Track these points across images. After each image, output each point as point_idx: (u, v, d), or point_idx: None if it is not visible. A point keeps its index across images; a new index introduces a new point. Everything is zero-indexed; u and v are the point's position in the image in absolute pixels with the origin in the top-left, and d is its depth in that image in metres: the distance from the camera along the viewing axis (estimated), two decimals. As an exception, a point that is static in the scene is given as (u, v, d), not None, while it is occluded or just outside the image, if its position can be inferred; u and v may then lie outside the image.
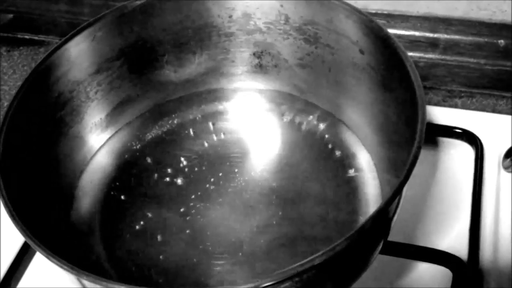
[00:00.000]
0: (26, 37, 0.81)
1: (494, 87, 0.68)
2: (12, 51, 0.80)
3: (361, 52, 0.50)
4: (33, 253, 0.55)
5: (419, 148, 0.39)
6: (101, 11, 0.52)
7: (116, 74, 0.55)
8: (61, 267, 0.35)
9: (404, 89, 0.44)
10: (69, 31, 0.51)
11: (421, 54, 0.68)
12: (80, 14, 0.77)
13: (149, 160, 0.56)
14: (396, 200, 0.39)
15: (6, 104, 0.71)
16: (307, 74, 0.57)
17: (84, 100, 0.53)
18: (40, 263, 0.54)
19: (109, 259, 0.48)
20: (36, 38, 0.81)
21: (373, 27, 0.48)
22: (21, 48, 0.81)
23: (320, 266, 0.34)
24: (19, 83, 0.47)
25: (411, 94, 0.43)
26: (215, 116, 0.59)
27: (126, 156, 0.56)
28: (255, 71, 0.59)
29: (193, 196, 0.52)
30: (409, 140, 0.41)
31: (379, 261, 0.45)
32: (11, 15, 0.81)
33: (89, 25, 0.51)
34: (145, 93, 0.58)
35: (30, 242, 0.37)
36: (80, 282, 0.37)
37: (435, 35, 0.67)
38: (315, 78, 0.56)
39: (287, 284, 0.34)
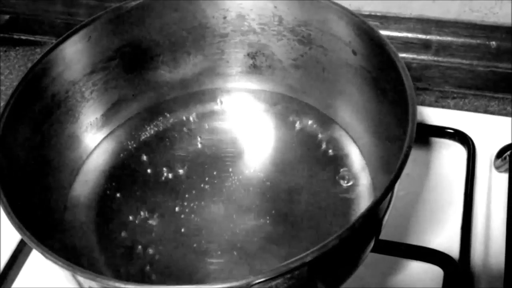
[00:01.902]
0: (23, 37, 0.82)
1: (486, 88, 0.68)
2: (9, 52, 0.81)
3: (354, 53, 0.51)
4: (28, 252, 0.55)
5: (409, 148, 0.39)
6: (97, 12, 0.52)
7: (112, 74, 0.55)
8: (57, 263, 0.35)
9: (396, 90, 0.45)
10: (65, 32, 0.51)
11: (414, 56, 0.69)
12: (76, 15, 0.77)
13: (144, 159, 0.56)
14: (387, 198, 0.40)
15: (2, 104, 0.71)
16: (301, 75, 0.57)
17: (79, 100, 0.54)
18: (36, 261, 0.54)
19: (104, 257, 0.49)
20: (32, 38, 0.81)
21: (365, 29, 0.49)
22: (17, 48, 0.81)
23: (311, 263, 0.35)
24: (16, 83, 0.48)
25: (402, 95, 0.43)
26: (210, 116, 0.60)
27: (121, 155, 0.56)
28: (249, 72, 0.60)
29: (187, 195, 0.53)
30: (401, 140, 0.41)
31: (371, 259, 0.45)
32: (7, 16, 0.81)
33: (85, 25, 0.52)
34: (140, 93, 0.58)
35: (26, 239, 0.37)
36: (75, 279, 0.38)
37: (428, 37, 0.68)
38: (308, 78, 0.57)
39: (279, 280, 0.35)
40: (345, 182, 0.52)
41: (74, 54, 0.51)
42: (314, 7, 0.52)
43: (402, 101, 0.43)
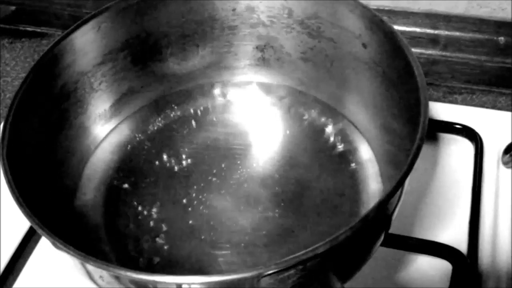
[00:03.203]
0: (29, 29, 0.82)
1: (494, 84, 0.68)
2: (15, 43, 0.80)
3: (364, 46, 0.51)
4: (35, 244, 0.55)
5: (421, 141, 0.39)
6: (103, 4, 0.52)
7: (120, 65, 0.55)
8: (68, 252, 0.35)
9: (407, 83, 0.45)
10: (71, 24, 0.51)
11: (422, 51, 0.69)
12: (82, 6, 0.77)
13: (152, 151, 0.56)
14: (399, 192, 0.40)
15: (8, 95, 0.71)
16: (310, 68, 0.57)
17: (88, 91, 0.53)
18: (42, 253, 0.54)
19: (112, 248, 0.49)
20: (38, 30, 0.81)
21: (376, 22, 0.49)
22: (23, 40, 0.81)
23: (323, 255, 0.35)
24: (22, 75, 0.48)
25: (413, 88, 0.43)
26: (218, 108, 0.59)
27: (129, 147, 0.56)
28: (258, 65, 0.60)
29: (195, 187, 0.53)
30: (411, 134, 0.41)
31: (380, 253, 0.45)
32: (13, 7, 0.81)
33: (94, 16, 0.51)
34: (148, 85, 0.58)
35: (37, 228, 0.37)
36: (85, 269, 0.38)
37: (436, 32, 0.68)
38: (317, 71, 0.57)
39: (291, 272, 0.35)
40: (354, 176, 0.52)
41: (83, 45, 0.51)
42: (324, 0, 0.52)
43: (413, 95, 0.43)
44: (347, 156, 0.54)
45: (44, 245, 0.54)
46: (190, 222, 0.50)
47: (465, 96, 0.69)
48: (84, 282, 0.40)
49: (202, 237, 0.49)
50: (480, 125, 0.61)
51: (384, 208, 0.39)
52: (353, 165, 0.53)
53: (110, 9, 0.52)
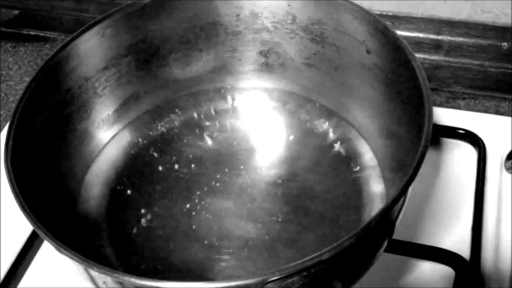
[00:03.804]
0: (32, 33, 0.82)
1: (497, 89, 0.68)
2: (18, 47, 0.81)
3: (368, 52, 0.51)
4: (37, 249, 0.55)
5: (426, 147, 0.39)
6: (107, 9, 0.52)
7: (124, 70, 0.55)
8: (72, 258, 0.35)
9: (411, 89, 0.45)
10: (74, 28, 0.51)
11: (425, 56, 0.69)
12: (86, 11, 0.77)
13: (155, 156, 0.56)
14: (402, 199, 0.40)
15: (11, 99, 0.72)
16: (313, 73, 0.57)
17: (92, 96, 0.54)
18: (45, 258, 0.54)
19: (115, 253, 0.49)
20: (41, 34, 0.81)
21: (379, 27, 0.49)
22: (26, 44, 0.81)
23: (327, 262, 0.35)
24: (25, 79, 0.48)
25: (417, 94, 0.43)
26: (221, 113, 0.59)
27: (133, 151, 0.56)
28: (261, 70, 0.60)
29: (198, 192, 0.53)
30: (415, 140, 0.41)
31: (384, 259, 0.45)
32: (16, 11, 0.81)
33: (98, 21, 0.51)
34: (152, 90, 0.58)
35: (41, 234, 0.37)
36: (88, 274, 0.38)
37: (439, 37, 0.68)
38: (321, 77, 0.57)
39: (295, 278, 0.35)
40: (357, 181, 0.52)
41: (87, 50, 0.51)
42: (328, 6, 0.52)
43: (416, 101, 0.43)
44: (350, 161, 0.54)
45: (47, 249, 0.54)
46: (193, 227, 0.50)
47: (468, 101, 0.69)
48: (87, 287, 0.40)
49: (205, 242, 0.49)
50: (483, 130, 0.60)
51: (387, 215, 0.39)
52: (356, 170, 0.53)
53: (115, 15, 0.52)
